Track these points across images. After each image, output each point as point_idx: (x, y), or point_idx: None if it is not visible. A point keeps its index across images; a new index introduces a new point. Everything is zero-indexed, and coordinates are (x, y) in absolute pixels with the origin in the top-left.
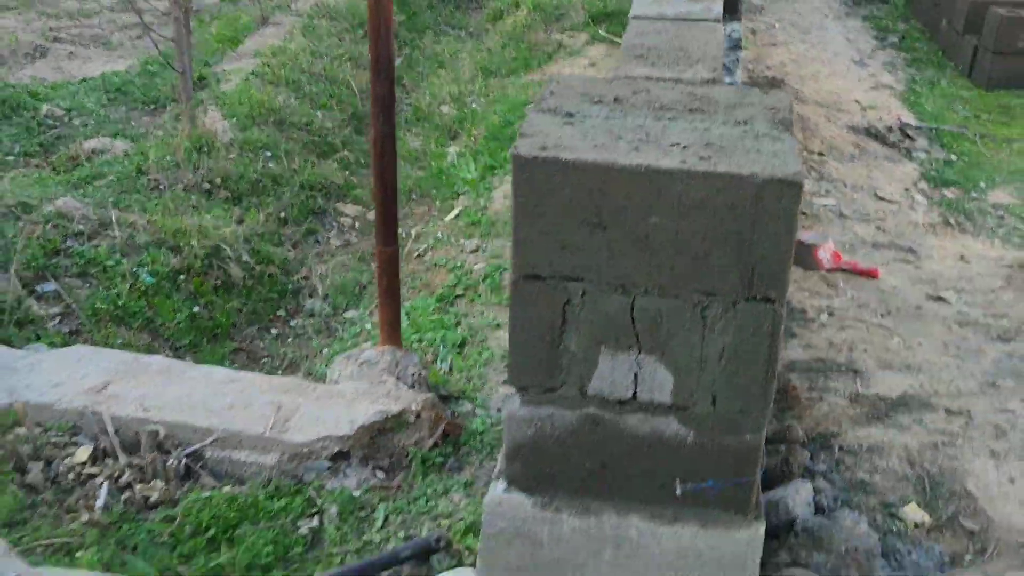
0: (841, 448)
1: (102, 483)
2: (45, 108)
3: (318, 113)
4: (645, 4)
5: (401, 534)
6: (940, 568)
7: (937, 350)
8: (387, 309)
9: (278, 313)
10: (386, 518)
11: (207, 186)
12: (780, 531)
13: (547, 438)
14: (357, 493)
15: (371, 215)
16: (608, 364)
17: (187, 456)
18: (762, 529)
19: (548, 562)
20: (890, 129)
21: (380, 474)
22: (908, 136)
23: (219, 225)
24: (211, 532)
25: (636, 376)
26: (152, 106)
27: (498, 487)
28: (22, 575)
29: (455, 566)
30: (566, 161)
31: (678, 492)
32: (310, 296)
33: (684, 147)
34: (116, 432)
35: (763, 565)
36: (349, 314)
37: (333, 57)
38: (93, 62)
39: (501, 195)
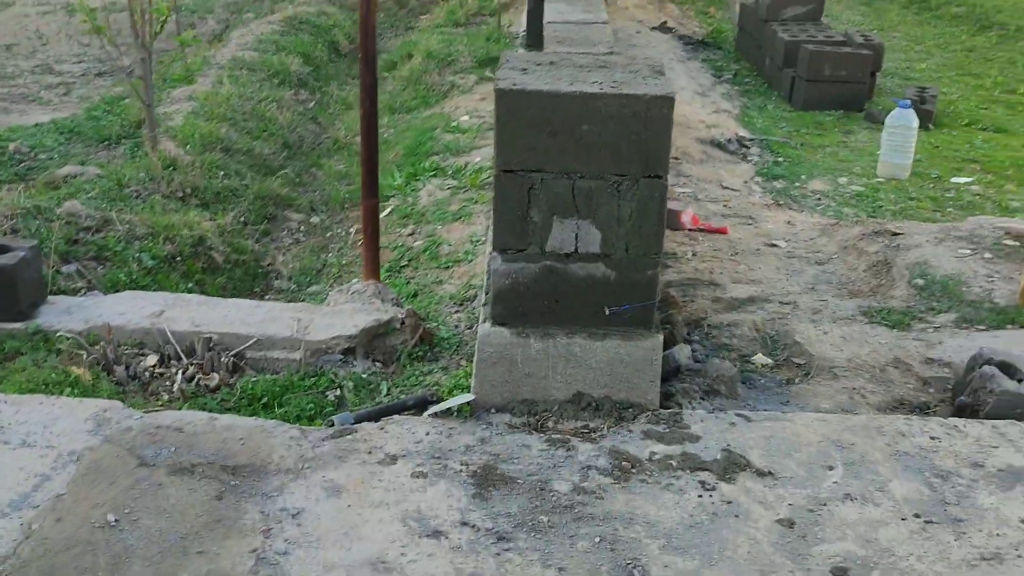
0: (709, 326)
1: (176, 371)
2: (11, 146)
3: (255, 142)
4: (554, 14)
5: (401, 397)
6: (779, 386)
7: (773, 271)
8: (369, 250)
9: (255, 290)
10: (388, 390)
11: (180, 194)
12: (671, 374)
13: (519, 284)
14: (365, 375)
15: (313, 219)
16: (558, 228)
17: (234, 355)
18: (660, 339)
19: (521, 376)
20: (730, 140)
21: (378, 364)
22: (744, 145)
23: (199, 221)
24: (264, 400)
25: (576, 236)
26: (105, 142)
27: (486, 325)
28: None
29: None
30: (529, 91)
31: (607, 313)
32: (276, 278)
33: (600, 83)
34: (176, 342)
35: (666, 396)
36: (312, 289)
37: (259, 100)
38: (31, 115)
39: (425, 194)
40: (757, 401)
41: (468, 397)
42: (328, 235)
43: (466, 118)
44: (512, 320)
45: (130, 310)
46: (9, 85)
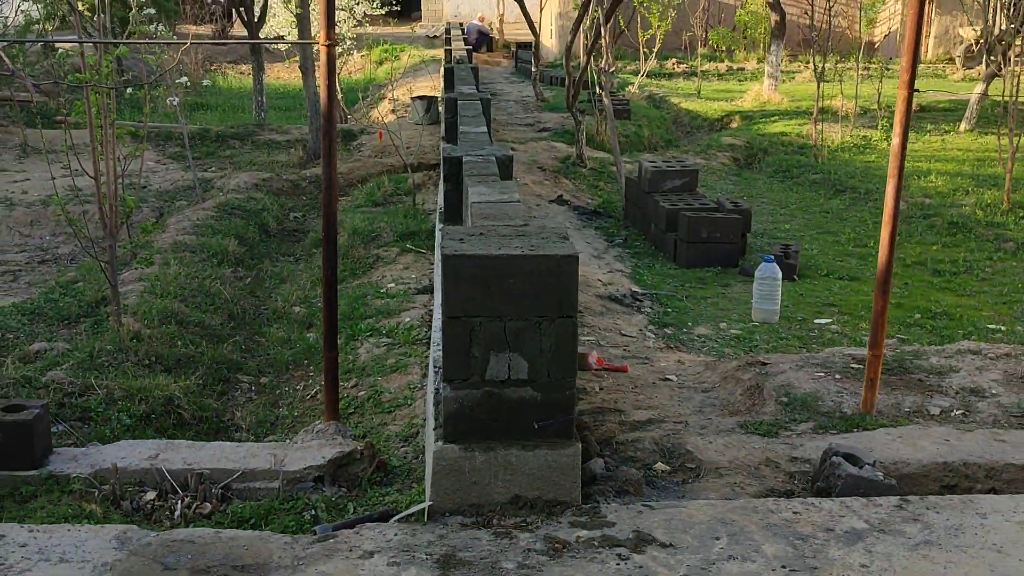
0: (617, 443)
1: (175, 502)
2: None
3: (204, 315)
4: (477, 196)
5: (367, 513)
6: (676, 485)
7: (667, 399)
8: (330, 394)
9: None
10: (354, 509)
11: (147, 362)
12: (588, 481)
13: (464, 408)
14: (333, 499)
15: (263, 380)
16: (495, 361)
17: (222, 487)
18: (579, 447)
19: (469, 484)
20: (624, 295)
21: (344, 489)
22: (637, 299)
23: (167, 384)
24: (252, 521)
25: (509, 366)
26: (66, 321)
27: (438, 444)
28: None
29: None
30: (468, 255)
31: (536, 427)
32: (236, 431)
33: (520, 246)
34: (172, 478)
35: (586, 496)
36: (269, 439)
37: (203, 277)
38: None
39: (364, 351)
40: (660, 497)
41: (426, 504)
42: (277, 392)
43: (392, 285)
44: (460, 438)
45: (129, 455)
46: None
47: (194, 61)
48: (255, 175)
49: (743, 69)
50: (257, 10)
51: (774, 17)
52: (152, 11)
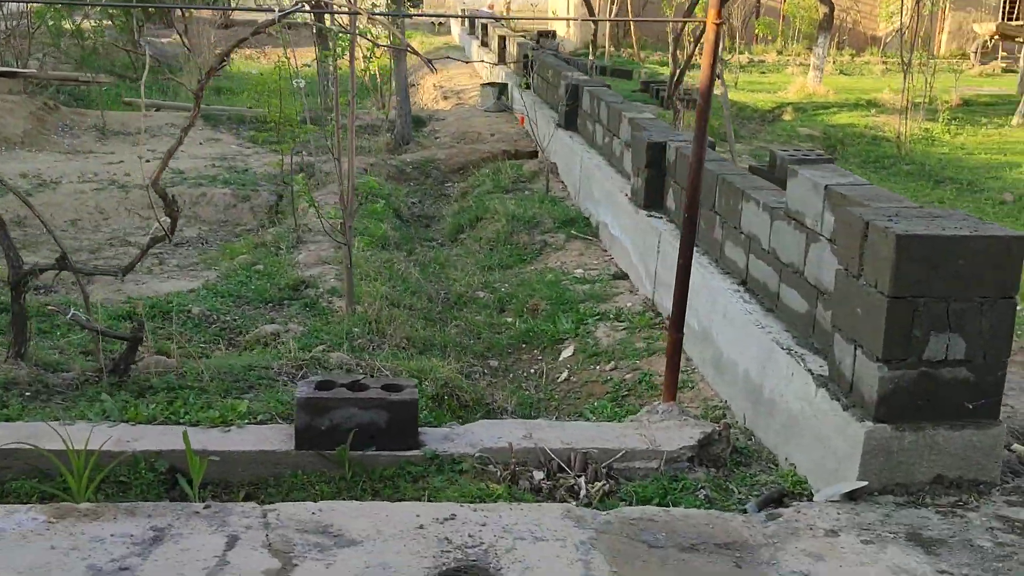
0: None
1: (573, 481)
2: (195, 310)
3: (413, 299)
4: (827, 180)
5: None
6: None
7: None
8: (671, 375)
9: None
10: (737, 490)
11: (403, 344)
12: None
13: (899, 388)
14: (714, 479)
15: (492, 363)
16: (934, 341)
17: (604, 467)
18: (1004, 427)
19: (895, 464)
20: None
21: (711, 469)
22: None
23: (440, 366)
24: (655, 500)
25: (947, 346)
26: (269, 303)
27: (867, 424)
28: None
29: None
30: (920, 235)
31: (971, 408)
32: (503, 414)
33: (959, 227)
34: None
35: None
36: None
37: (383, 261)
38: (147, 284)
39: (602, 335)
40: None
41: (861, 483)
42: (510, 376)
43: (580, 271)
44: (891, 418)
45: (503, 434)
46: (99, 258)
47: (209, 44)
48: (361, 160)
49: (764, 61)
50: None
51: (823, 9)
52: None
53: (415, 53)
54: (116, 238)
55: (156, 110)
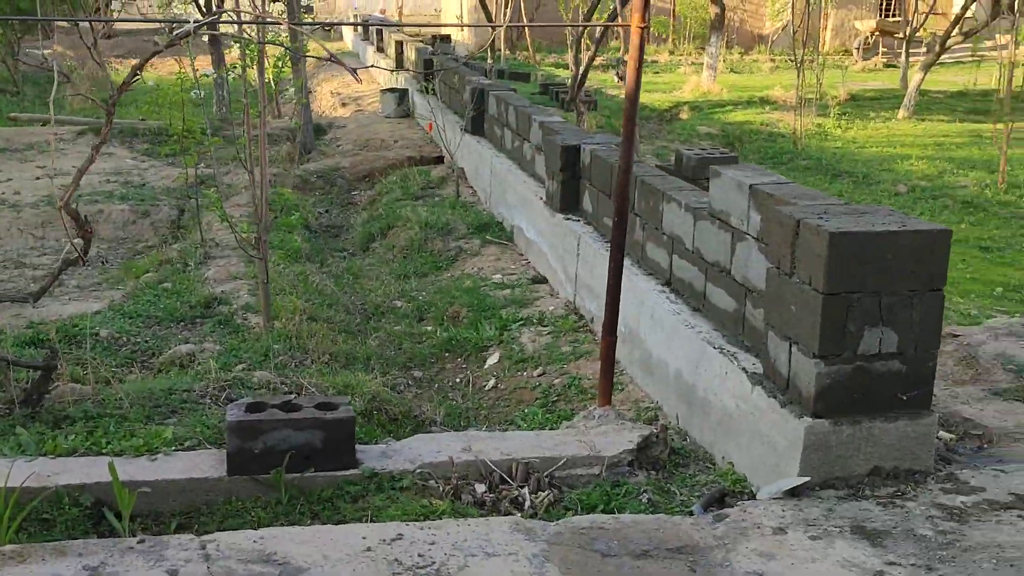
0: None
1: (517, 492)
2: (103, 332)
3: (329, 312)
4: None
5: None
6: (976, 452)
7: None
8: (605, 380)
9: None
10: (679, 492)
11: (325, 359)
12: None
13: (835, 383)
14: (655, 481)
15: (416, 373)
16: (868, 335)
17: (547, 476)
18: (936, 417)
19: (833, 458)
20: None
21: (652, 472)
22: None
23: (367, 380)
24: (600, 507)
25: (880, 340)
26: (180, 322)
27: (806, 420)
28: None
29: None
30: (851, 232)
31: (904, 399)
32: (432, 425)
33: (886, 224)
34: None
35: None
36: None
37: (297, 274)
38: (50, 306)
39: (527, 341)
40: (970, 464)
41: (803, 479)
42: (436, 386)
43: (498, 276)
44: (828, 412)
45: (442, 448)
46: None
47: (98, 54)
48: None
49: (656, 61)
50: None
51: (714, 9)
52: None
53: (338, 62)
54: (10, 260)
55: (42, 124)
